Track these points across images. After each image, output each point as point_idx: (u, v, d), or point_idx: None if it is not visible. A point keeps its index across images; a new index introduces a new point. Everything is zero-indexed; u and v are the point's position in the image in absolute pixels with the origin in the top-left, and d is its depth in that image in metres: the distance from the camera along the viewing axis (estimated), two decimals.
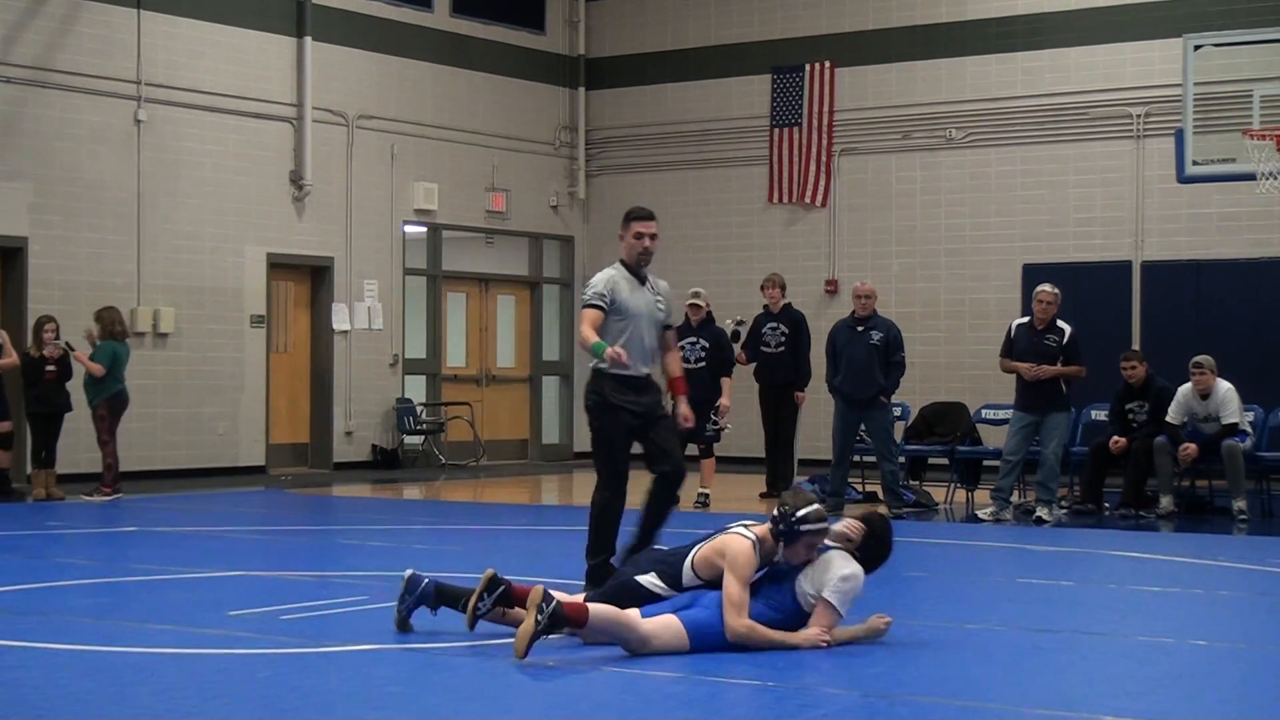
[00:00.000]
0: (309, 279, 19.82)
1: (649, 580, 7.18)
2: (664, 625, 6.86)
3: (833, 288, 20.46)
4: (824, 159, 20.76)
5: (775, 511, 7.12)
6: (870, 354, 14.15)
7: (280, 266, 19.34)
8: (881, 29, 20.47)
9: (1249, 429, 14.37)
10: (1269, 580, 8.43)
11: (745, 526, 7.15)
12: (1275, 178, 14.57)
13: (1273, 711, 6.18)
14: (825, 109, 20.72)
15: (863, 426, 14.33)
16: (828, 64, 20.70)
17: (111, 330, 15.36)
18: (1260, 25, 16.48)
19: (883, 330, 14.27)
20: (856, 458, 15.11)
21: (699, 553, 7.16)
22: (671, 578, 7.17)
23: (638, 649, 6.80)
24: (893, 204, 20.35)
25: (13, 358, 15.22)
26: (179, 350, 18.16)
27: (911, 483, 15.50)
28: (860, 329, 14.29)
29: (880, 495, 14.62)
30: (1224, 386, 14.13)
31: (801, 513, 7.03)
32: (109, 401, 15.28)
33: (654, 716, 5.93)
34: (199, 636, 7.36)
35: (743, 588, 6.94)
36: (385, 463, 20.04)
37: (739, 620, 6.89)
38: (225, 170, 18.69)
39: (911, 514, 14.30)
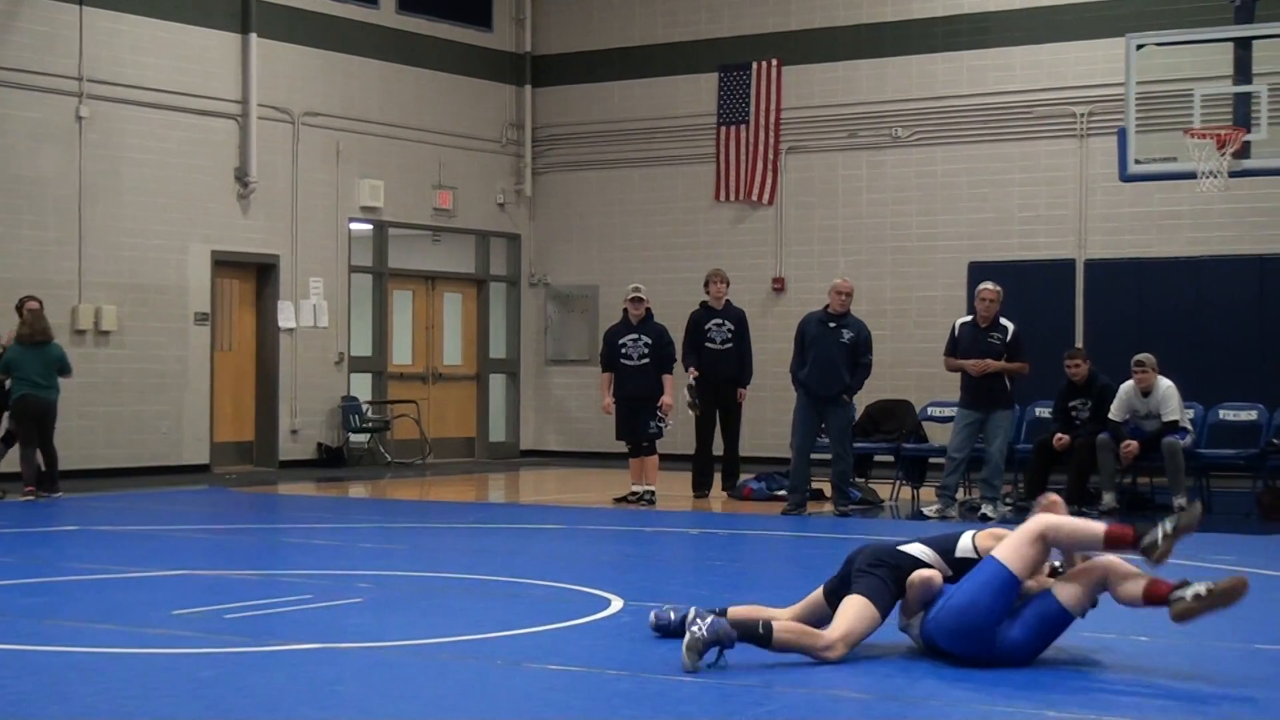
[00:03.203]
0: (254, 276, 19.71)
1: (916, 549, 7.03)
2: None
3: (779, 285, 20.51)
4: (771, 157, 20.81)
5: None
6: (840, 351, 14.08)
7: (225, 264, 19.22)
8: (828, 28, 20.54)
9: (1189, 426, 14.49)
10: (1209, 576, 8.49)
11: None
12: (1215, 176, 14.67)
13: (1214, 705, 6.23)
14: (772, 107, 20.77)
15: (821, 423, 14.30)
16: (774, 62, 20.75)
17: (18, 333, 15.16)
18: (1201, 25, 16.61)
19: (854, 330, 14.19)
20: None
21: (979, 533, 7.06)
22: (943, 549, 7.03)
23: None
24: (839, 202, 20.42)
25: None
26: (122, 348, 18.02)
27: (857, 480, 15.53)
28: (833, 325, 14.19)
29: (827, 493, 14.66)
30: (1165, 384, 14.26)
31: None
32: (13, 406, 15.07)
33: (601, 714, 5.93)
34: (142, 636, 7.31)
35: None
36: (331, 461, 19.95)
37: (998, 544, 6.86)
38: (169, 167, 18.55)
39: (857, 511, 14.34)
